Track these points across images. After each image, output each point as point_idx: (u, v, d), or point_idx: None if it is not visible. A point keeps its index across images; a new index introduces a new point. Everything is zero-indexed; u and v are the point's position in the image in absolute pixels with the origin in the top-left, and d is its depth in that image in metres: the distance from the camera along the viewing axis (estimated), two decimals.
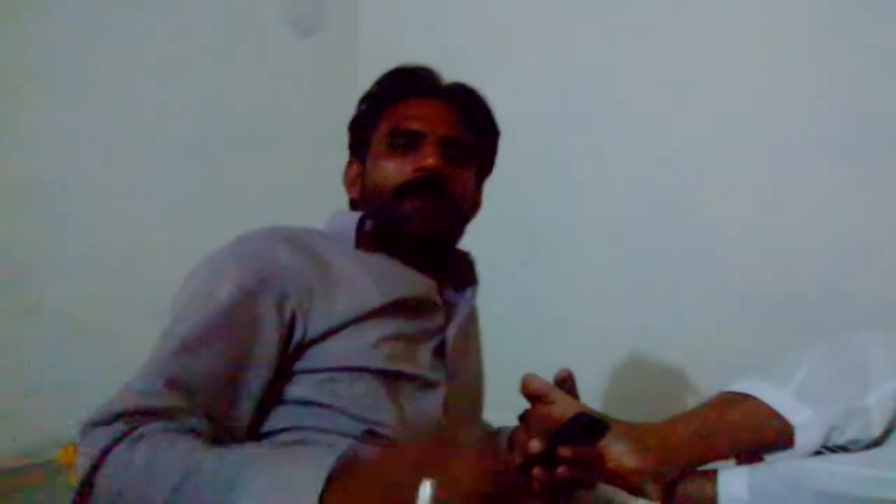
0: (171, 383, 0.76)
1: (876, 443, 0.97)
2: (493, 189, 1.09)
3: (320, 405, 0.83)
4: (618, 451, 0.97)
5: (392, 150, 0.97)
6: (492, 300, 1.37)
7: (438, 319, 0.95)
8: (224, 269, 0.85)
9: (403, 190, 0.95)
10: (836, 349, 1.03)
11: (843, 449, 0.98)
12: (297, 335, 0.84)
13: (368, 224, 0.95)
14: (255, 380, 0.81)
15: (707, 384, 1.17)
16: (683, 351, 1.52)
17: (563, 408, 0.95)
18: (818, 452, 0.98)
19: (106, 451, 0.69)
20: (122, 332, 1.58)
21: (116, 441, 0.69)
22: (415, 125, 0.97)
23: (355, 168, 1.03)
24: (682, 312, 1.56)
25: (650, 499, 0.97)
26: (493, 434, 1.04)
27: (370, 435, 0.82)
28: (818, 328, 1.30)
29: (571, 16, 1.71)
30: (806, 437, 0.97)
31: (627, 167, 1.63)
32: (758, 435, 0.99)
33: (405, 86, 1.02)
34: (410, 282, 0.94)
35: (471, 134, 1.02)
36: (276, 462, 0.65)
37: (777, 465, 0.97)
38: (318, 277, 0.87)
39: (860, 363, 1.00)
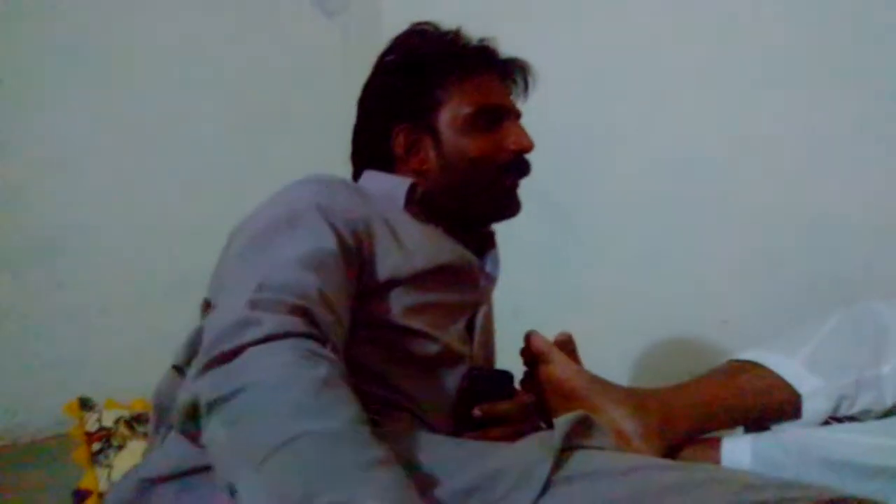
0: (321, 295, 0.69)
1: (888, 413, 0.95)
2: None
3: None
4: (618, 416, 0.96)
5: (480, 127, 0.96)
6: (523, 278, 1.34)
7: (475, 294, 0.96)
8: (309, 203, 0.81)
9: (507, 169, 0.97)
10: (850, 318, 1.00)
11: (854, 419, 0.96)
12: (364, 278, 0.82)
13: (419, 192, 0.95)
14: (346, 312, 0.76)
15: None
16: (715, 329, 1.50)
17: (561, 368, 0.97)
18: (828, 422, 0.96)
19: (278, 336, 0.61)
20: (143, 310, 1.62)
21: (288, 335, 0.61)
22: (497, 101, 0.98)
23: (412, 136, 0.97)
24: (714, 290, 1.54)
25: None
26: None
27: (390, 407, 0.80)
28: None
29: None
30: (814, 407, 0.95)
31: (659, 142, 1.60)
32: (763, 403, 0.97)
33: (473, 59, 0.99)
34: (457, 252, 0.94)
35: None
36: None
37: (782, 433, 0.96)
38: (379, 227, 0.86)
39: (875, 333, 0.97)
